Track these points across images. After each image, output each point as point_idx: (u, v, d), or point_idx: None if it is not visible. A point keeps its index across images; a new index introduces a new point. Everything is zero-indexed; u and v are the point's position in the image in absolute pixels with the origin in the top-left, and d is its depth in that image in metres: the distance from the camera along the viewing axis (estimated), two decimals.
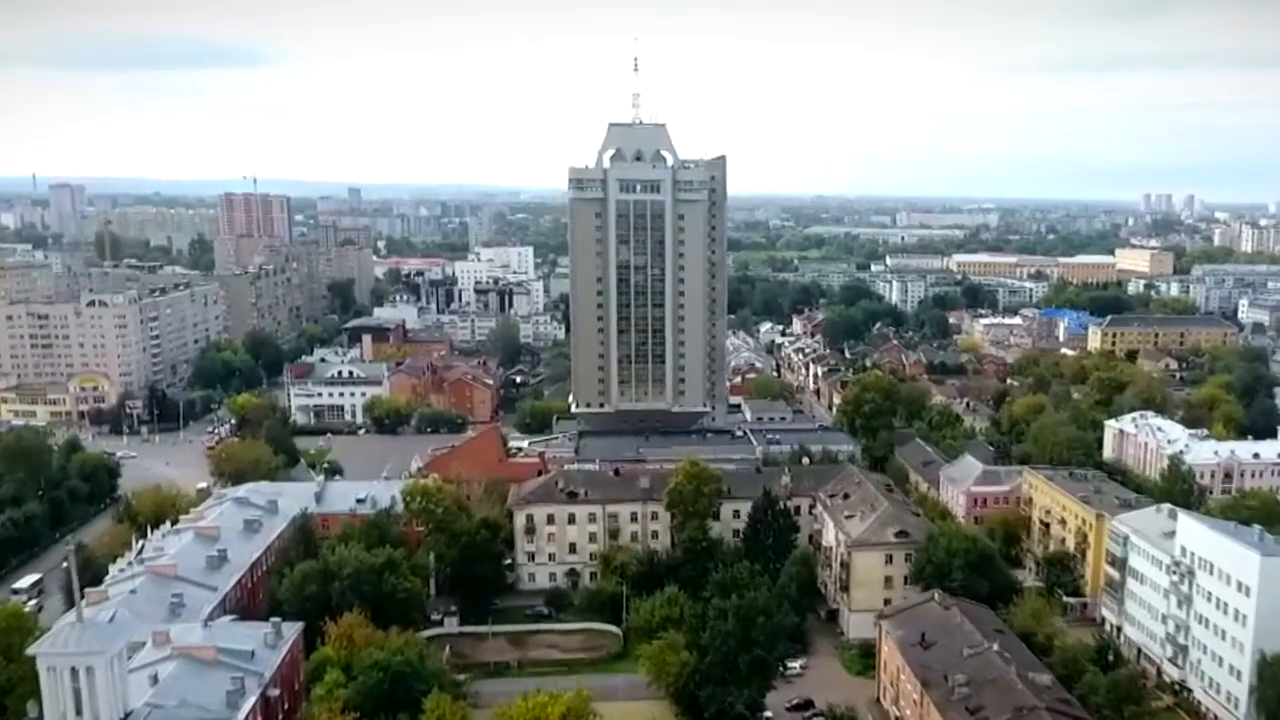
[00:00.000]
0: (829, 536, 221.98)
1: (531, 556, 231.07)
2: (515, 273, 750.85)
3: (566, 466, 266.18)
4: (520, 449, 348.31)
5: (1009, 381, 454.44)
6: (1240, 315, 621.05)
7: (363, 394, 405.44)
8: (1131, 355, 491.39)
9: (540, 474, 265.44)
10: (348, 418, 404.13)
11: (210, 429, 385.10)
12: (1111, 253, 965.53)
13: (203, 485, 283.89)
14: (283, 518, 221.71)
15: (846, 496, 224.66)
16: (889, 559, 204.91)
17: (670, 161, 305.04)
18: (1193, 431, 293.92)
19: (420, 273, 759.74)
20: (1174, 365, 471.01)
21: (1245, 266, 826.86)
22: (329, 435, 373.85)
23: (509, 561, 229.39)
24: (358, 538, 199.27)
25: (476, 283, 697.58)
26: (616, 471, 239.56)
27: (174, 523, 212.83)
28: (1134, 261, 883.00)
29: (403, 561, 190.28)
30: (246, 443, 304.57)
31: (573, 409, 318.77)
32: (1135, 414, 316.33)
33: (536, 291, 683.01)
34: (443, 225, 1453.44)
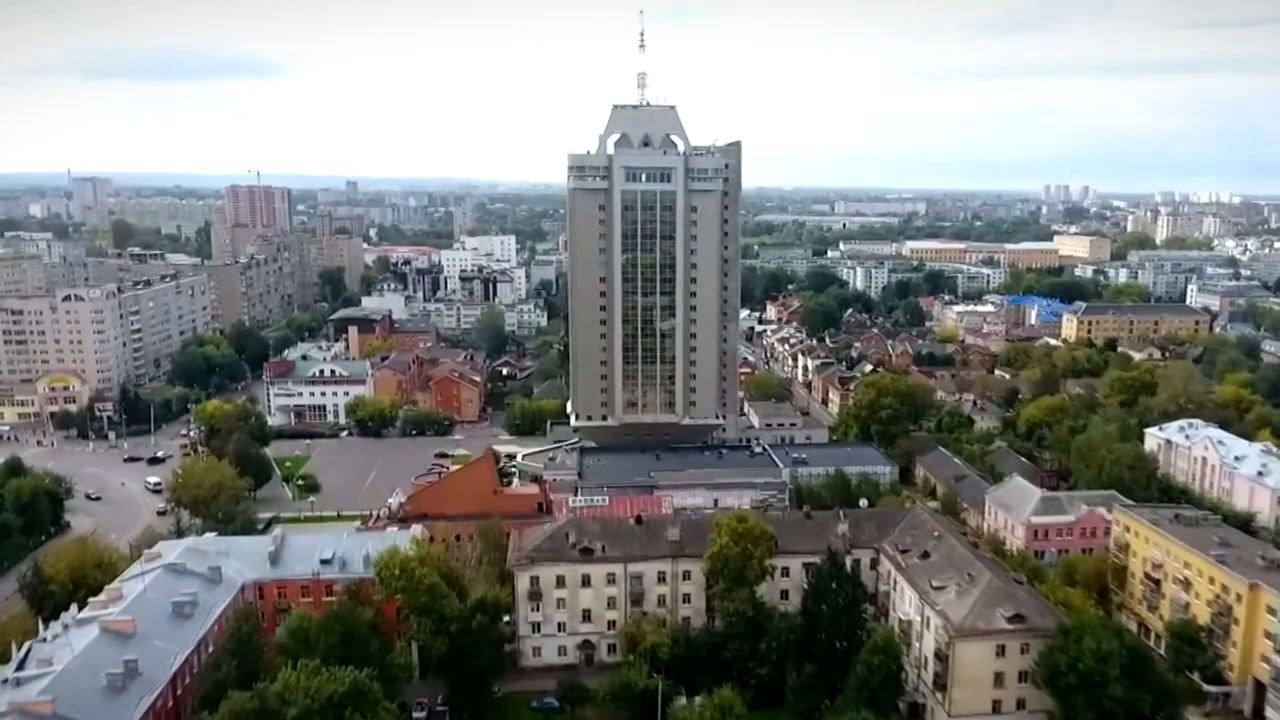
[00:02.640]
0: (906, 607, 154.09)
1: (537, 627, 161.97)
2: (499, 260, 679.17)
3: (572, 501, 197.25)
4: (512, 457, 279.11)
5: (997, 372, 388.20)
6: (1189, 300, 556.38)
7: (345, 393, 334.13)
8: (1111, 344, 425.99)
9: (541, 506, 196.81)
10: (330, 418, 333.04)
11: (183, 431, 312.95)
12: (1049, 239, 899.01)
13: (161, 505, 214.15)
14: (227, 589, 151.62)
15: (926, 555, 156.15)
16: (1000, 650, 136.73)
17: (681, 147, 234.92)
18: (1265, 447, 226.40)
19: (408, 261, 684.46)
20: (1157, 355, 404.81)
21: (1179, 252, 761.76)
22: (308, 443, 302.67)
23: (508, 620, 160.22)
24: (314, 638, 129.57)
25: (462, 271, 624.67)
26: (639, 519, 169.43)
27: (83, 604, 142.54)
28: (1073, 248, 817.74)
29: (370, 687, 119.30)
30: (209, 463, 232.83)
31: (572, 422, 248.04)
32: (1183, 422, 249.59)
33: (519, 279, 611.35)
34: (429, 214, 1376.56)
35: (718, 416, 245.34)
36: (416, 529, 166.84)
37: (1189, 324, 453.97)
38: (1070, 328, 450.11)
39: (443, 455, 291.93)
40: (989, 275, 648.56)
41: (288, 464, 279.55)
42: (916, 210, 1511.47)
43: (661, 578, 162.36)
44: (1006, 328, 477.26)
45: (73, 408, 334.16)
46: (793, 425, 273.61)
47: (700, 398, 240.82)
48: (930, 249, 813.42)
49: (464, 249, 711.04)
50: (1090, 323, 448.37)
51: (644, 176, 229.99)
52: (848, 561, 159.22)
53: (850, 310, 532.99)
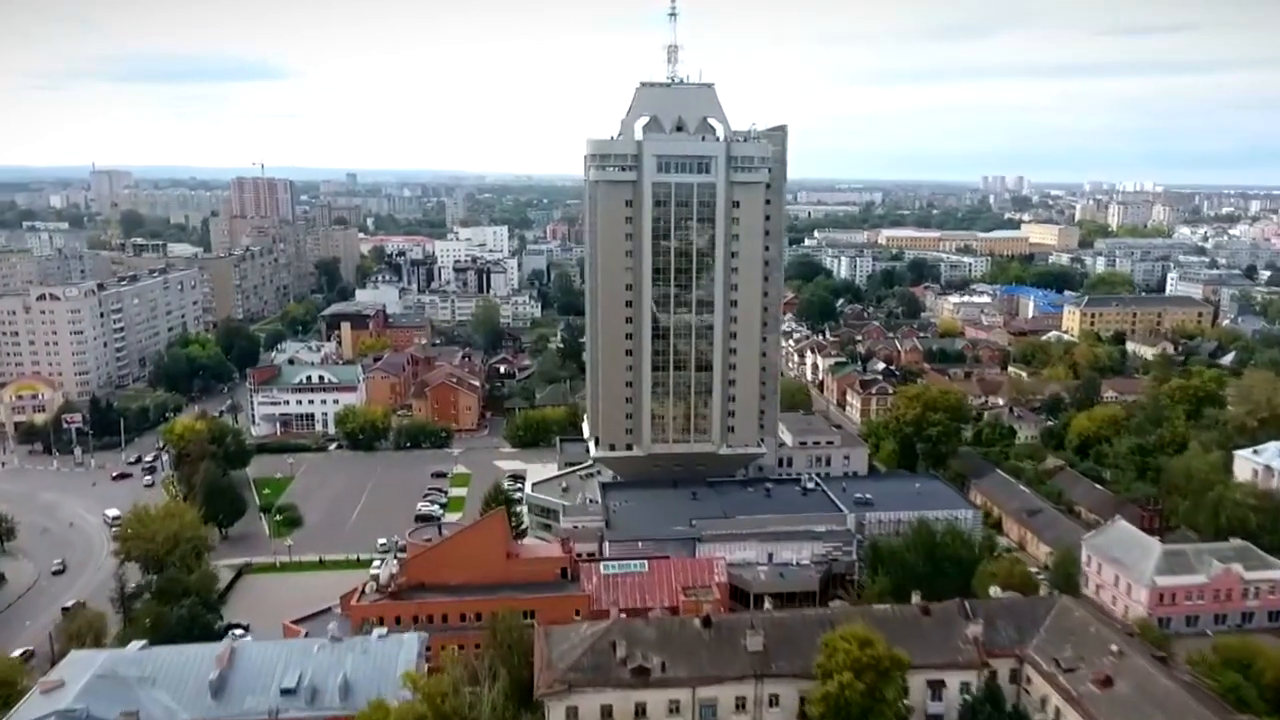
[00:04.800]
0: None
1: None
2: (491, 251, 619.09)
3: (603, 568, 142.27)
4: (517, 478, 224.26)
5: (1010, 371, 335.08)
6: (1169, 289, 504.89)
7: (335, 401, 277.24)
8: (1119, 338, 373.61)
9: (566, 573, 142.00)
10: (318, 427, 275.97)
11: (132, 460, 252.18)
12: (1015, 227, 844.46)
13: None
14: None
15: (1108, 683, 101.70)
16: None
17: (721, 132, 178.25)
18: None
19: (402, 252, 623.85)
20: (1170, 350, 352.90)
21: (1145, 240, 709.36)
22: (290, 461, 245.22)
23: None
24: None
25: (456, 261, 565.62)
26: (707, 621, 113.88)
27: None
28: (1042, 236, 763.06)
29: None
30: (166, 507, 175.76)
31: (593, 451, 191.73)
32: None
33: (512, 269, 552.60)
34: (423, 204, 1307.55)
35: (759, 443, 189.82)
36: (411, 645, 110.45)
37: (1192, 315, 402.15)
38: (1072, 320, 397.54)
39: (440, 474, 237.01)
40: (970, 264, 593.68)
41: (266, 491, 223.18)
42: (874, 200, 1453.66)
43: (741, 705, 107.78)
44: (1004, 319, 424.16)
45: (43, 418, 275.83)
46: (829, 443, 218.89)
47: (740, 422, 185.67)
48: (906, 237, 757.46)
49: (458, 239, 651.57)
50: (1093, 315, 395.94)
51: (678, 166, 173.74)
52: (981, 675, 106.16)
53: (841, 300, 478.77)
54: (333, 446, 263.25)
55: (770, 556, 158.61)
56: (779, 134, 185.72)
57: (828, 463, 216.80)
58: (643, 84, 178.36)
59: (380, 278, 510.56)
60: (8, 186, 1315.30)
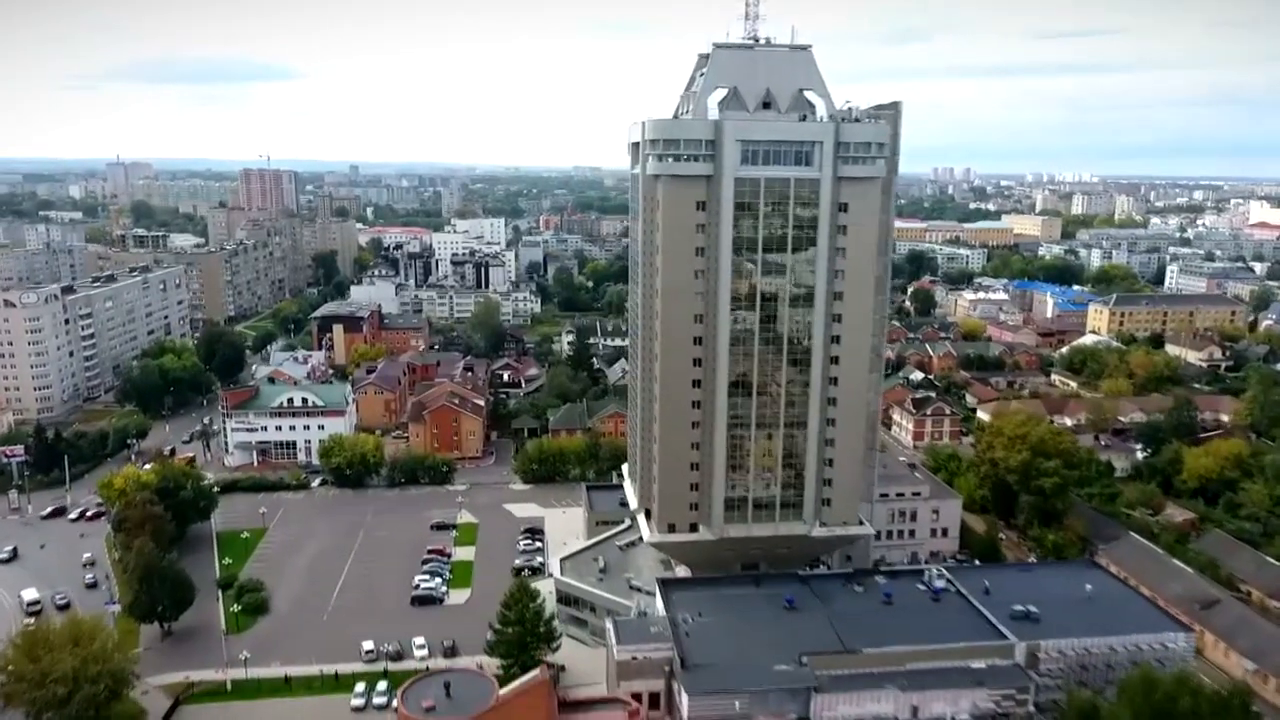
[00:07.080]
0: None
1: None
2: (489, 243, 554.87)
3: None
4: (533, 532, 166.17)
5: (1053, 378, 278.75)
6: (1168, 282, 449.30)
7: (320, 426, 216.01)
8: (1156, 340, 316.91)
9: None
10: (301, 457, 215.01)
11: (74, 513, 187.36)
12: (997, 218, 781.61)
13: None
14: None
15: None
16: None
17: (822, 110, 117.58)
18: None
19: (399, 245, 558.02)
20: (1218, 354, 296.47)
21: (1126, 231, 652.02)
22: (263, 511, 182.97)
23: None
24: None
25: (453, 255, 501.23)
26: None
27: None
28: (1025, 226, 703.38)
29: None
30: (70, 625, 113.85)
31: (646, 535, 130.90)
32: None
33: (509, 261, 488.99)
34: (420, 194, 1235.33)
35: (860, 521, 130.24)
36: None
37: (1225, 314, 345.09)
38: (1100, 319, 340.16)
39: (442, 527, 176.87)
40: (967, 256, 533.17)
41: (228, 560, 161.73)
42: None
43: None
44: (1024, 317, 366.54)
45: None
46: (915, 494, 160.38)
47: (839, 493, 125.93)
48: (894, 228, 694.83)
49: (454, 231, 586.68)
50: (1123, 314, 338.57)
51: (769, 156, 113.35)
52: None
53: None
54: (316, 483, 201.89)
55: (915, 711, 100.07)
56: (890, 113, 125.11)
57: (913, 518, 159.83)
58: (716, 46, 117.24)
59: (377, 273, 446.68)
60: (34, 177, 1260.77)
